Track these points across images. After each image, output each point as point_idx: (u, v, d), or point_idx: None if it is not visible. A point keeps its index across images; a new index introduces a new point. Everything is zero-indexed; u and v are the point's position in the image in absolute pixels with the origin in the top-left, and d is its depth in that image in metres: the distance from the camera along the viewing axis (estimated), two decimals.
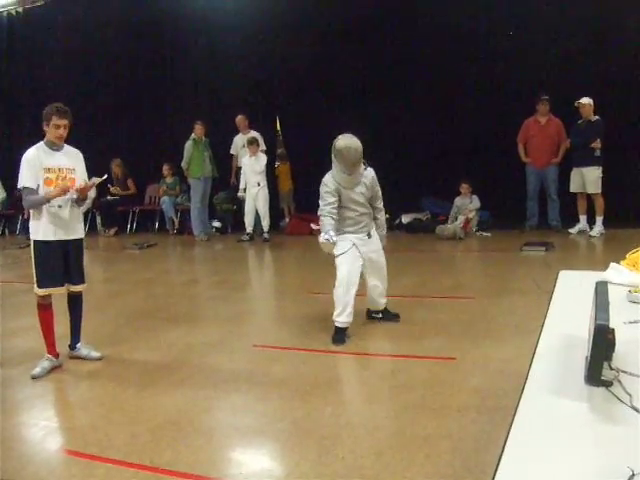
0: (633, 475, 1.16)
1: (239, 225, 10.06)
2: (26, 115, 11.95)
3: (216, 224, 10.57)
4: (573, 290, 2.48)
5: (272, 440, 2.98)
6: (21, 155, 3.94)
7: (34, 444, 3.07)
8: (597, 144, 7.72)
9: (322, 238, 4.06)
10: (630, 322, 1.99)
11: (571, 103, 7.84)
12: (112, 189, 11.05)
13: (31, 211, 4.00)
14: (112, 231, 11.22)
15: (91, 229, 10.68)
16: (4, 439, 3.08)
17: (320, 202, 4.24)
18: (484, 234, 8.67)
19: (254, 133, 9.62)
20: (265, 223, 9.44)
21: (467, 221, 8.67)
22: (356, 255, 4.29)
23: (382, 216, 4.58)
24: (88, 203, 4.22)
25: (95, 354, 4.25)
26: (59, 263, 3.99)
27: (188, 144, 9.67)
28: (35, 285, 3.99)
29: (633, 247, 2.71)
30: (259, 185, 9.26)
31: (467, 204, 8.75)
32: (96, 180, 4.11)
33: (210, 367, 4.03)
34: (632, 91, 7.92)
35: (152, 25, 10.72)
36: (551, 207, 8.49)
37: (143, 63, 11.02)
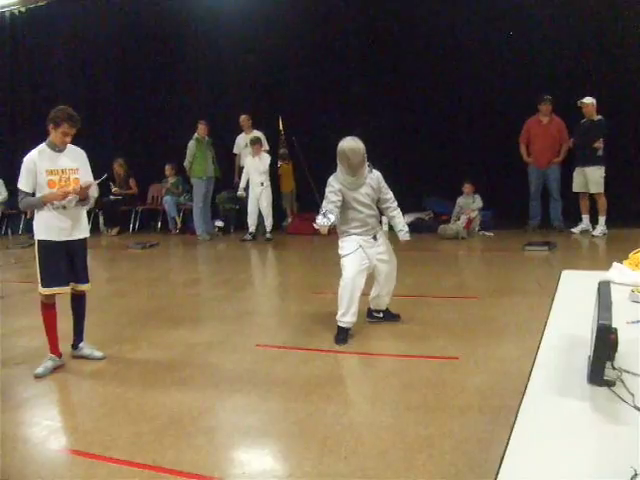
0: (636, 475, 1.16)
1: (241, 225, 10.07)
2: (29, 114, 11.99)
3: (218, 224, 10.58)
4: (576, 290, 2.48)
5: (275, 440, 2.98)
6: (23, 155, 3.95)
7: (37, 444, 3.07)
8: (599, 144, 7.72)
9: (319, 219, 3.99)
10: (633, 322, 1.99)
11: (573, 103, 7.83)
12: (113, 189, 11.06)
13: (35, 211, 4.01)
14: (114, 231, 11.23)
15: (94, 229, 10.67)
16: (7, 438, 3.09)
17: (324, 202, 4.26)
18: (487, 234, 8.67)
19: (257, 133, 9.62)
20: (268, 223, 9.45)
21: (470, 221, 8.66)
22: (362, 256, 4.28)
23: (398, 213, 4.50)
24: (91, 202, 4.22)
25: (98, 354, 4.25)
26: (63, 263, 3.99)
27: (191, 143, 9.68)
28: (39, 285, 3.99)
29: (636, 247, 2.71)
30: (262, 185, 9.28)
31: (470, 204, 8.75)
32: (93, 182, 4.10)
33: (213, 367, 4.03)
34: (635, 91, 7.91)
35: (155, 24, 10.74)
36: (553, 207, 8.48)
37: (146, 62, 11.03)
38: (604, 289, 1.76)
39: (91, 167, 4.16)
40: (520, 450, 1.32)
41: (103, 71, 11.50)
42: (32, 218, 4.08)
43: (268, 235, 9.44)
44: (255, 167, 9.23)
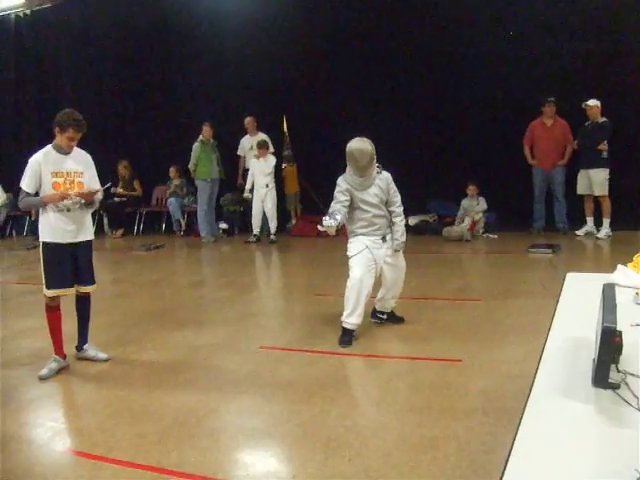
0: None
1: (246, 227, 10.08)
2: (33, 117, 12.02)
3: (223, 226, 10.57)
4: (580, 292, 2.48)
5: (279, 441, 2.98)
6: (27, 157, 3.96)
7: (41, 445, 3.08)
8: (604, 146, 7.71)
9: (326, 220, 3.94)
10: (637, 324, 1.99)
11: (578, 105, 7.82)
12: (117, 190, 11.06)
13: (40, 213, 4.03)
14: (119, 233, 11.23)
15: (98, 231, 10.70)
16: (11, 440, 3.10)
17: (332, 202, 4.26)
18: (491, 236, 8.66)
19: (263, 135, 9.62)
20: (272, 225, 9.45)
21: (474, 223, 8.65)
22: (369, 257, 4.27)
23: (399, 221, 4.41)
24: (96, 205, 4.24)
25: (102, 355, 4.26)
26: (68, 265, 4.01)
27: (196, 146, 9.68)
28: (44, 286, 4.00)
29: None
30: (267, 187, 9.28)
31: (474, 206, 8.73)
32: (99, 188, 4.13)
33: (217, 368, 4.03)
34: None
35: (160, 27, 10.75)
36: (558, 209, 8.46)
37: (151, 65, 11.05)
38: (609, 292, 1.76)
39: (96, 169, 4.18)
40: (524, 452, 1.32)
41: (108, 73, 11.52)
42: (37, 220, 4.09)
43: (272, 237, 9.44)
44: (260, 169, 9.24)
